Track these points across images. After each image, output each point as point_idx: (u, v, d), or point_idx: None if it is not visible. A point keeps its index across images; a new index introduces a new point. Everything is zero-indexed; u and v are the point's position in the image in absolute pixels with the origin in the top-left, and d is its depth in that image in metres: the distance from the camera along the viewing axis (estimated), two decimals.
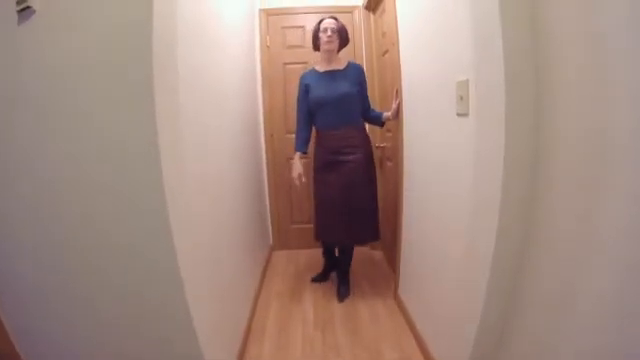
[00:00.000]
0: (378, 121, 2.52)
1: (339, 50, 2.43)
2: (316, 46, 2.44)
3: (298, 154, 2.47)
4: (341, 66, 2.40)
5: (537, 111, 1.00)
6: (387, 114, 2.39)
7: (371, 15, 3.09)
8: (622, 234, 0.77)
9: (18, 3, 0.99)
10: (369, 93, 2.56)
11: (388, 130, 2.71)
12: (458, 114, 1.36)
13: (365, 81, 2.46)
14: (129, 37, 0.99)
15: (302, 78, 2.48)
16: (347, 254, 2.58)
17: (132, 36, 0.99)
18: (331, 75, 2.38)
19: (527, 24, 0.99)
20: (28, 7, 0.99)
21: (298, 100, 2.48)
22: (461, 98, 1.32)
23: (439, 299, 1.67)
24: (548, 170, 0.99)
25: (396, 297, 2.39)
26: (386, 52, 2.65)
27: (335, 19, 2.36)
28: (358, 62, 3.12)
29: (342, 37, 2.38)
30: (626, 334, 0.76)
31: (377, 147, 2.99)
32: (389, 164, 2.79)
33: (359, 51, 3.19)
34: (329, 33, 2.30)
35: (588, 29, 0.83)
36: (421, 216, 1.89)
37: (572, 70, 0.89)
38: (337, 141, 2.34)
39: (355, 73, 2.40)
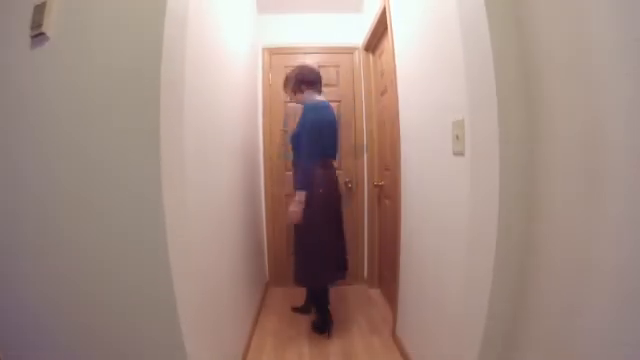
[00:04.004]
0: None
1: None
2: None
3: None
4: None
5: (532, 150, 1.02)
6: None
7: (370, 56, 3.20)
8: (625, 274, 0.77)
9: (32, 28, 1.02)
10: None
11: (386, 168, 2.73)
12: (454, 153, 1.38)
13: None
14: (139, 71, 1.02)
15: None
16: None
17: (142, 71, 1.02)
18: None
19: (520, 63, 1.03)
20: (42, 33, 1.02)
21: None
22: (457, 137, 1.34)
23: (437, 337, 1.62)
24: (544, 206, 0.99)
25: (394, 335, 2.31)
26: (384, 91, 2.73)
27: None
28: (357, 101, 3.29)
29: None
30: None
31: (375, 185, 3.01)
32: (387, 202, 2.79)
33: (358, 90, 3.28)
34: None
35: (580, 62, 0.86)
36: (419, 254, 1.87)
37: (565, 107, 0.91)
38: None
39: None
